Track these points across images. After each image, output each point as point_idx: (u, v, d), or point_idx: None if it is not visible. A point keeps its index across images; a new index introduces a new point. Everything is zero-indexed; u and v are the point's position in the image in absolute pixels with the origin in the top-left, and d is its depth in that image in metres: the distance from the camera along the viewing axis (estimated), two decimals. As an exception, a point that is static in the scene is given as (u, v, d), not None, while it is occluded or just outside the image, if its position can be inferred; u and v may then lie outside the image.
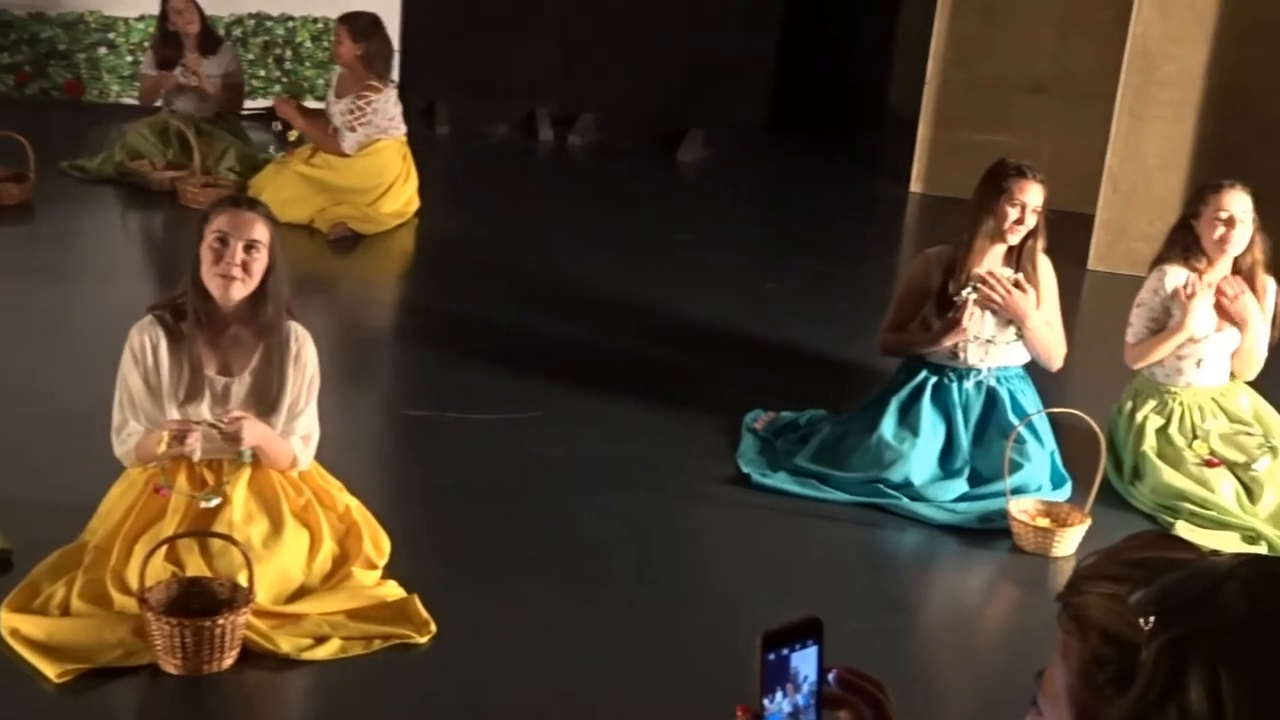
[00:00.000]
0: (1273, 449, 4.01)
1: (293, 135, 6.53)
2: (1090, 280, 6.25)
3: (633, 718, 2.96)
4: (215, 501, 3.14)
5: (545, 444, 4.23)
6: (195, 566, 3.10)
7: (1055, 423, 4.13)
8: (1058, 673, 1.18)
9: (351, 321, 5.52)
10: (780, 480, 4.04)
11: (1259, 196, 4.12)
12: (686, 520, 3.88)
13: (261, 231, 3.14)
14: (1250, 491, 3.98)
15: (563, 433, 4.33)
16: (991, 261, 4.08)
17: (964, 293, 4.01)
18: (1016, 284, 4.01)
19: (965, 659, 3.34)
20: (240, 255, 3.12)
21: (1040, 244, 4.07)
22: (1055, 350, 4.15)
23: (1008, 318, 4.06)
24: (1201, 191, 4.12)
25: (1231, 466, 4.03)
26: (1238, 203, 4.02)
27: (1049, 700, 1.18)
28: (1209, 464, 4.02)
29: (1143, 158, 6.34)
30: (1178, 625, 1.06)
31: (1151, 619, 1.08)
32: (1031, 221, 4.02)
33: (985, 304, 4.02)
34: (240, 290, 3.14)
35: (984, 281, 4.01)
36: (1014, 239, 4.04)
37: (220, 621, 2.89)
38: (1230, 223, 4.03)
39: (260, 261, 3.14)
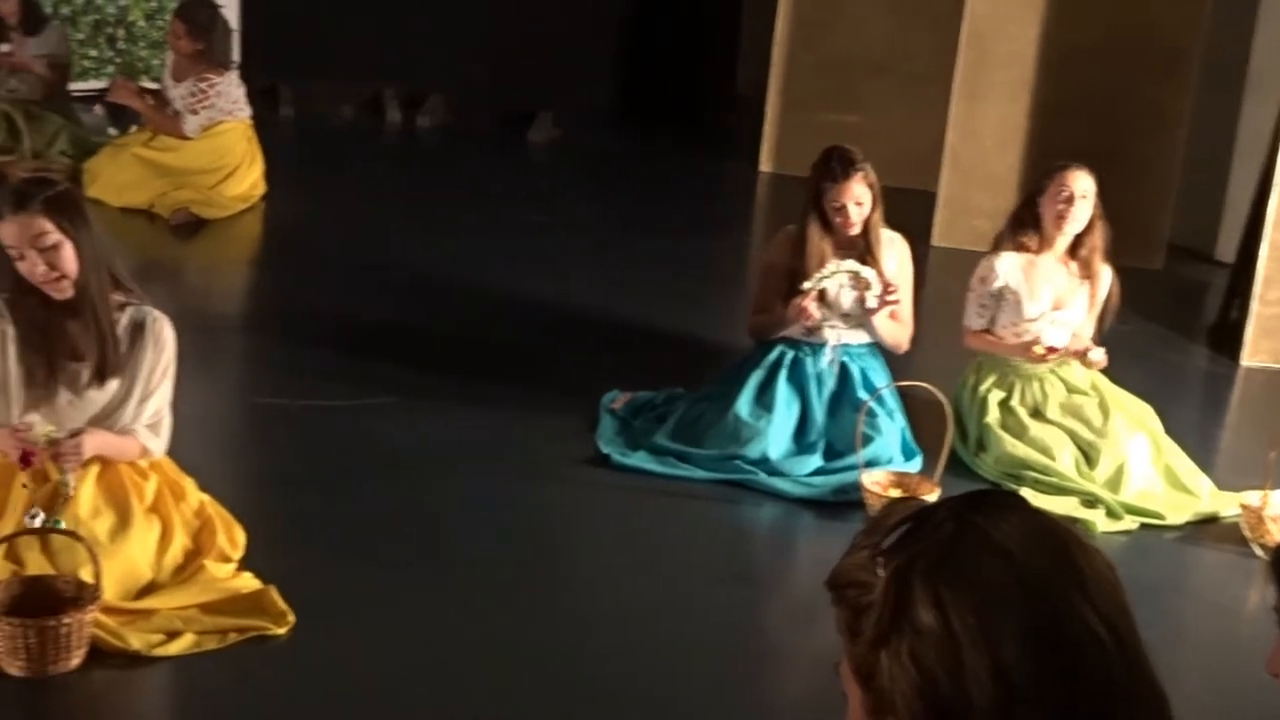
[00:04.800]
0: (1107, 409, 4.18)
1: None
2: (934, 256, 6.42)
3: (494, 702, 2.95)
4: (39, 519, 3.01)
5: (400, 430, 4.18)
6: (37, 564, 2.99)
7: (904, 396, 4.24)
8: (843, 655, 1.24)
9: (196, 309, 5.35)
10: (640, 459, 4.06)
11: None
12: (547, 502, 3.88)
13: (46, 225, 3.01)
14: (1089, 458, 4.14)
15: (418, 418, 4.28)
16: (835, 246, 4.15)
17: (805, 284, 4.07)
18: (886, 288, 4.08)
19: (822, 631, 3.41)
20: (41, 266, 3.02)
21: (878, 216, 4.14)
22: (901, 337, 4.25)
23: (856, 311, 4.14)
24: (1047, 170, 4.24)
25: (1070, 434, 4.19)
26: (1080, 182, 4.17)
27: (845, 683, 1.24)
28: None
29: (980, 136, 6.53)
30: (899, 554, 1.16)
31: (880, 558, 1.17)
32: (860, 213, 4.10)
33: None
34: (66, 286, 3.06)
35: (888, 288, 4.06)
36: (851, 231, 4.12)
37: (66, 620, 2.79)
38: (1070, 200, 4.17)
39: (65, 254, 3.03)
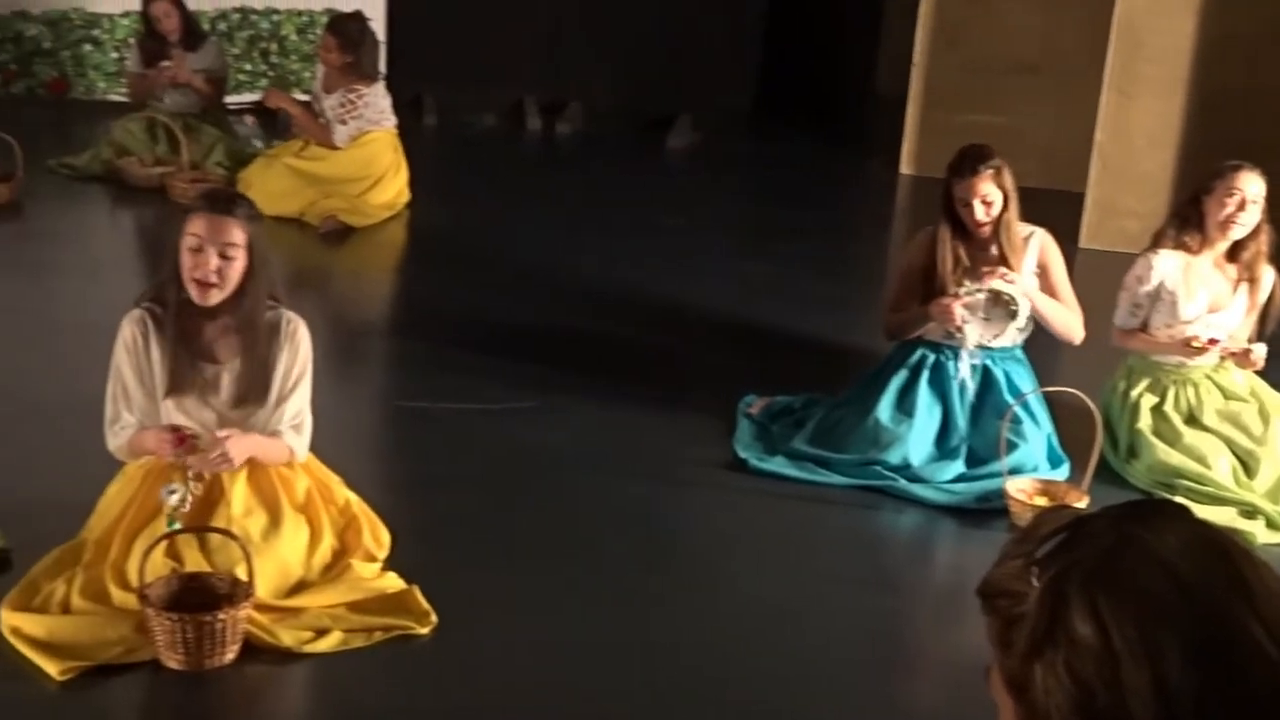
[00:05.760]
0: (1267, 416, 4.02)
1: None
2: (1082, 258, 6.25)
3: (634, 703, 2.96)
4: (176, 525, 3.10)
5: (541, 433, 4.23)
6: (194, 561, 3.09)
7: (1051, 401, 4.13)
8: (994, 664, 1.20)
9: (343, 314, 5.51)
10: (778, 464, 4.04)
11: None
12: (685, 506, 3.88)
13: (237, 235, 3.11)
14: (1247, 467, 3.99)
15: (558, 421, 4.32)
16: (970, 248, 4.07)
17: (959, 289, 3.99)
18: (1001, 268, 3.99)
19: (963, 639, 3.34)
20: (215, 263, 3.10)
21: (1011, 215, 4.04)
22: (1073, 324, 4.13)
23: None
24: (1218, 170, 4.06)
25: (1228, 442, 4.04)
26: (1251, 185, 4.00)
27: (995, 693, 1.20)
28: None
29: (1131, 135, 6.34)
30: (1055, 563, 1.12)
31: (1034, 567, 1.13)
32: (990, 212, 4.00)
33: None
34: (216, 295, 3.13)
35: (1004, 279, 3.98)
36: (981, 231, 4.03)
37: (221, 616, 2.89)
38: (1241, 204, 4.00)
39: (237, 264, 3.12)
